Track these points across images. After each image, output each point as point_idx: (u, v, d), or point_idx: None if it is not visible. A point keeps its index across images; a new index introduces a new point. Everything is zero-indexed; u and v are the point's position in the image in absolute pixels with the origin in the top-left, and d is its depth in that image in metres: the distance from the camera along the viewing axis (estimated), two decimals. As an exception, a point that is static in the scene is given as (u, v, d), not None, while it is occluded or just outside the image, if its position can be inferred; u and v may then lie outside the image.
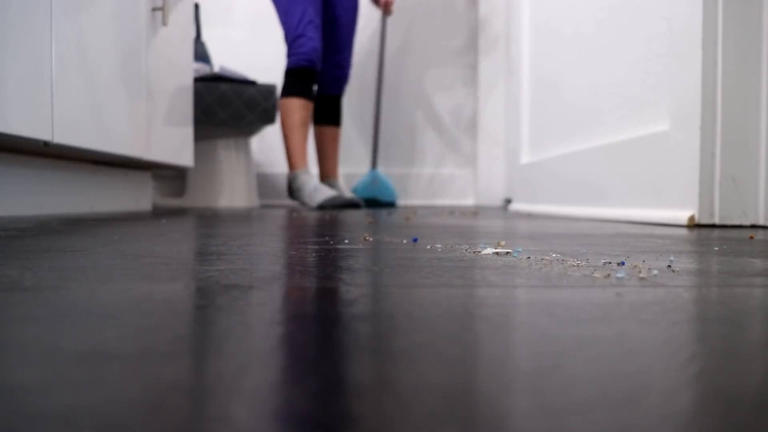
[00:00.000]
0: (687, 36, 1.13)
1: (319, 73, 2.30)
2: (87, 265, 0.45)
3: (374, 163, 2.76)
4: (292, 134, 2.20)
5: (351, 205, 2.18)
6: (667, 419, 0.16)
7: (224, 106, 2.34)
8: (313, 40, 2.17)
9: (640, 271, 0.43)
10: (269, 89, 2.42)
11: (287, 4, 2.18)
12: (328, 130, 2.43)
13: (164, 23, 1.76)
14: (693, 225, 1.10)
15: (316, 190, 2.17)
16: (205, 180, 2.44)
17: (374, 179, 2.71)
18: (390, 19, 2.97)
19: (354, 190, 2.68)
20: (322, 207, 2.13)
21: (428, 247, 0.63)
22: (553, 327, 0.27)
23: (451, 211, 2.12)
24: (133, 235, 0.78)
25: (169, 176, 2.49)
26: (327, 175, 2.47)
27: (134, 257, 0.51)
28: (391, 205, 2.72)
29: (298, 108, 2.18)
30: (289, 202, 3.05)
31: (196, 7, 2.50)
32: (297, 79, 2.18)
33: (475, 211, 2.05)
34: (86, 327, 0.26)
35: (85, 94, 1.36)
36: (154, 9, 1.74)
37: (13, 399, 0.17)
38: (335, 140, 2.45)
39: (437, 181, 3.05)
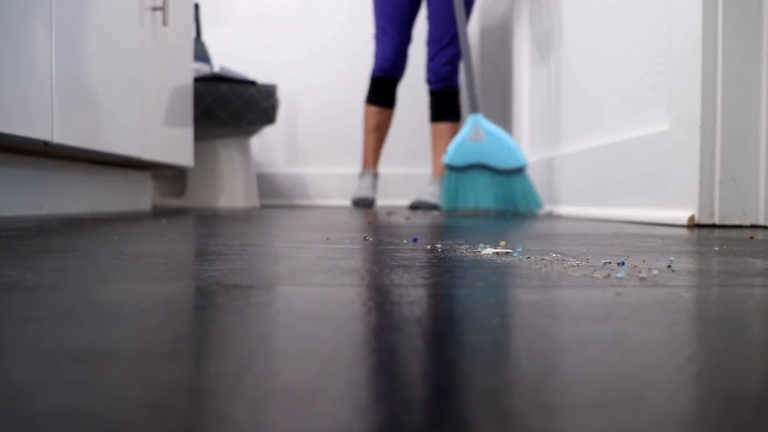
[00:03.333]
0: (687, 36, 1.13)
1: (432, 75, 2.30)
2: (87, 265, 0.45)
3: (474, 107, 1.94)
4: (366, 138, 2.43)
5: (367, 205, 2.36)
6: (668, 419, 0.16)
7: (224, 106, 2.34)
8: (383, 50, 2.33)
9: (640, 271, 0.43)
10: (269, 89, 2.42)
11: (373, 15, 2.38)
12: (434, 126, 2.35)
13: (164, 23, 1.76)
14: (693, 225, 1.10)
15: (357, 190, 2.40)
16: (205, 180, 2.44)
17: (476, 129, 1.88)
18: None
19: (445, 155, 1.93)
20: (354, 204, 2.37)
21: (428, 247, 0.63)
22: (554, 327, 0.27)
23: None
24: (133, 235, 0.78)
25: (169, 176, 2.49)
26: (434, 174, 2.37)
27: (134, 257, 0.51)
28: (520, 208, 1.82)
29: (371, 114, 2.40)
30: (288, 202, 3.05)
31: (196, 7, 2.50)
32: (373, 87, 2.39)
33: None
34: (86, 327, 0.26)
35: (85, 94, 1.36)
36: (154, 9, 1.74)
37: (13, 399, 0.17)
38: (441, 137, 2.32)
39: (437, 181, 3.05)
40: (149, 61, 1.72)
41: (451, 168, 1.85)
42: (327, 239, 0.72)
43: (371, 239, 0.72)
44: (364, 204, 2.35)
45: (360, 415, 0.16)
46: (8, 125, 1.07)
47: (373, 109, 2.39)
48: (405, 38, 2.34)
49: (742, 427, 0.16)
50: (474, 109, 1.93)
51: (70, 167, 1.57)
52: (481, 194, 1.85)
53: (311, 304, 0.31)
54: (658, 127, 1.24)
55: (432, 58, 2.32)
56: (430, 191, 2.37)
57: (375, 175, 2.44)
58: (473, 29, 2.98)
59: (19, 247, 0.59)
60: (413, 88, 2.82)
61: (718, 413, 0.17)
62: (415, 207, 2.27)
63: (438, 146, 2.37)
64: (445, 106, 2.34)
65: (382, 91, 2.38)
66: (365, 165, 2.44)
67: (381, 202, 2.95)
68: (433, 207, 2.26)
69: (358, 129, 3.01)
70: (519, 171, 1.83)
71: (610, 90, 1.50)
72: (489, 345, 0.24)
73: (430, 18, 2.33)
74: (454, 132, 2.33)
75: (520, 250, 0.58)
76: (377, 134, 2.42)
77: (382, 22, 2.31)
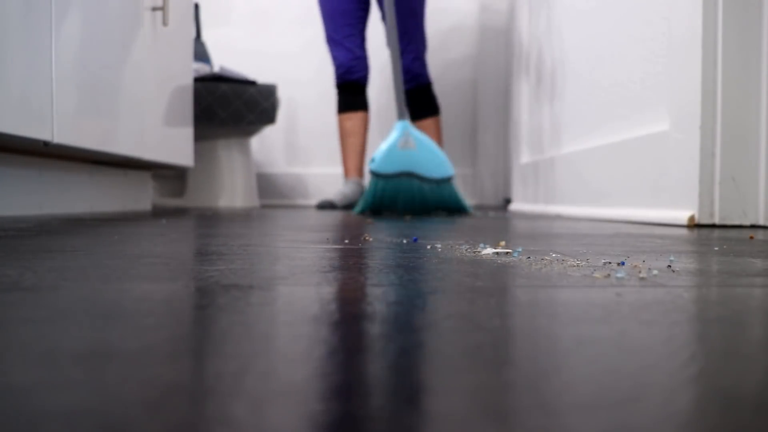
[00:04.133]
0: (687, 36, 1.13)
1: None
2: (87, 265, 0.45)
3: (401, 113, 1.81)
4: (341, 145, 2.37)
5: (332, 206, 2.30)
6: (667, 419, 0.16)
7: (224, 106, 2.34)
8: (335, 58, 2.30)
9: (640, 271, 0.43)
10: (269, 89, 2.42)
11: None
12: (416, 125, 2.28)
13: (164, 23, 1.76)
14: (693, 225, 1.10)
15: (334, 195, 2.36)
16: (205, 180, 2.44)
17: (406, 137, 1.76)
18: None
19: (372, 162, 1.77)
20: (317, 207, 2.33)
21: (428, 247, 0.63)
22: (553, 327, 0.27)
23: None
24: (133, 235, 0.78)
25: (169, 176, 2.49)
26: None
27: (134, 257, 0.51)
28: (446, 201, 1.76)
29: (342, 120, 2.34)
30: (288, 202, 3.05)
31: (196, 7, 2.50)
32: (338, 96, 2.34)
33: (475, 212, 2.05)
34: (86, 327, 0.26)
35: (85, 93, 1.36)
36: (154, 9, 1.74)
37: (13, 399, 0.17)
38: (428, 134, 2.25)
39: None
40: (149, 61, 1.72)
41: (378, 175, 1.72)
42: (327, 239, 0.72)
43: (371, 239, 0.72)
44: (322, 207, 2.29)
45: (358, 415, 0.16)
46: (8, 125, 1.07)
47: (344, 115, 2.34)
48: (358, 43, 2.29)
49: (742, 427, 0.16)
50: (401, 115, 1.81)
51: (70, 167, 1.57)
52: (408, 203, 1.75)
53: (311, 304, 0.31)
54: (658, 127, 1.24)
55: (399, 57, 2.31)
56: None
57: (356, 183, 2.35)
58: (473, 28, 2.98)
59: (19, 247, 0.59)
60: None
61: (718, 413, 0.17)
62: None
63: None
64: (424, 103, 2.34)
65: (347, 95, 2.32)
66: (346, 173, 2.36)
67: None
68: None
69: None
70: (446, 181, 1.77)
71: (610, 90, 1.50)
72: (489, 344, 0.24)
73: (386, 18, 2.30)
74: (438, 125, 2.36)
75: (520, 250, 0.58)
76: (350, 140, 2.34)
77: (329, 32, 2.27)
